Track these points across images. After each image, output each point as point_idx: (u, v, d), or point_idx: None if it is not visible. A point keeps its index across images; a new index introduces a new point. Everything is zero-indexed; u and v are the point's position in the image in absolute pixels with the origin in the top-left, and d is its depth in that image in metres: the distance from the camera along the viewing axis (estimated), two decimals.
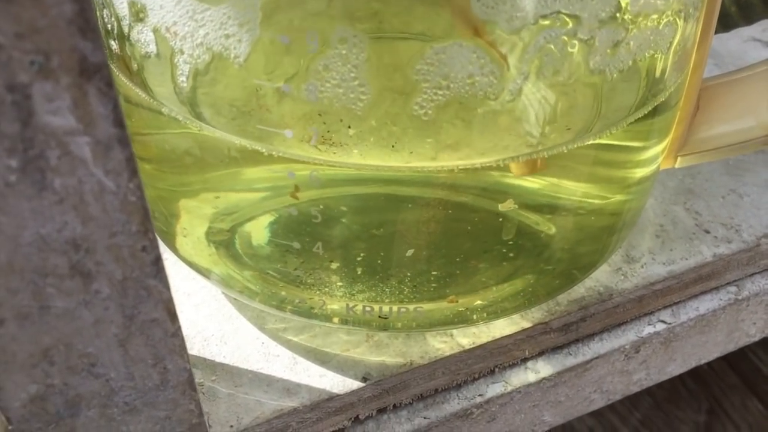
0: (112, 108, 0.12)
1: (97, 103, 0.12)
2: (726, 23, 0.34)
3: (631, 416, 0.49)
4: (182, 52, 0.17)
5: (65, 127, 0.12)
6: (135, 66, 0.19)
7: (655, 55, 0.19)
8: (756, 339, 0.32)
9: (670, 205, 0.30)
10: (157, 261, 0.15)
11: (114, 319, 0.15)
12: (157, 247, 0.15)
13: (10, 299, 0.14)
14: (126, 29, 0.18)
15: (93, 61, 0.12)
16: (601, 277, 0.27)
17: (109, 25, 0.19)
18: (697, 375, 0.52)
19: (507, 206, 0.21)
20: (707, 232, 0.28)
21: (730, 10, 0.33)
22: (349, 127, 0.18)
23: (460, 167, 0.18)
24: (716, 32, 0.37)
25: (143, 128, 0.21)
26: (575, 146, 0.20)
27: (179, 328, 0.17)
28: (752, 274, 0.29)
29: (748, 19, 0.34)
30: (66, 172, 0.13)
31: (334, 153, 0.18)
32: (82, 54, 0.12)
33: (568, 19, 0.17)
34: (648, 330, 0.27)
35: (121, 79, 0.20)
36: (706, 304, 0.28)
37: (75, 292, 0.15)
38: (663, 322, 0.28)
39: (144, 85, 0.19)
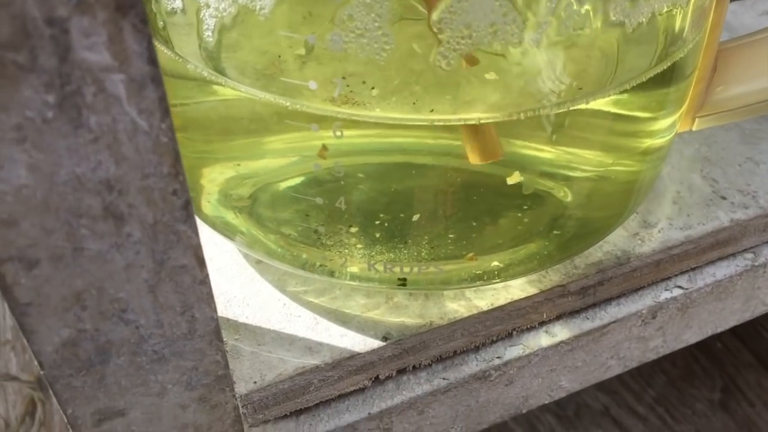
0: (147, 45, 0.13)
1: (132, 39, 0.12)
2: None
3: (646, 394, 0.50)
4: (208, 6, 0.18)
5: (101, 63, 0.13)
6: (161, 23, 0.19)
7: (674, 11, 0.19)
8: None
9: (686, 172, 0.30)
10: (187, 205, 0.15)
11: (144, 263, 0.16)
12: (187, 191, 0.15)
13: (45, 239, 0.14)
14: None
15: None
16: (619, 242, 0.27)
17: None
18: (711, 353, 0.52)
19: (514, 179, 0.21)
20: (724, 198, 0.29)
21: None
22: (372, 88, 0.18)
23: (482, 121, 0.18)
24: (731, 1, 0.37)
25: (169, 94, 0.22)
26: (594, 104, 0.20)
27: (207, 275, 0.17)
28: None
29: None
30: (101, 110, 0.13)
31: (357, 107, 0.18)
32: None
33: None
34: (665, 295, 0.27)
35: None
36: (722, 270, 0.28)
37: (107, 234, 0.15)
38: (680, 287, 0.28)
39: (169, 44, 0.20)
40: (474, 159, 0.20)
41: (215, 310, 0.18)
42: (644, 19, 0.18)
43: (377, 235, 0.22)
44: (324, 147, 0.20)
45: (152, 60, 0.13)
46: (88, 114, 0.13)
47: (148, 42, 0.13)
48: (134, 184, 0.14)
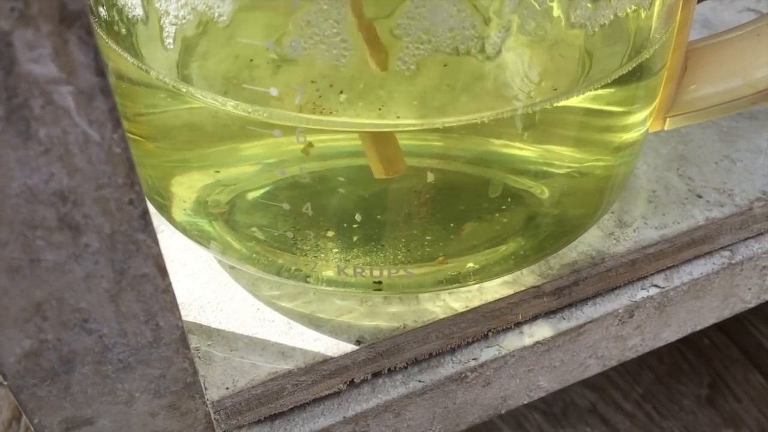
0: (93, 57, 0.13)
1: (78, 51, 0.12)
2: None
3: (633, 391, 0.50)
4: (168, 14, 0.17)
5: (47, 75, 0.12)
6: (124, 31, 0.19)
7: (638, 11, 0.19)
8: (751, 305, 0.32)
9: (662, 171, 0.30)
10: (145, 215, 0.15)
11: (104, 273, 0.16)
12: (143, 201, 0.15)
13: (0, 251, 0.14)
14: None
15: (72, 9, 0.12)
16: (593, 242, 0.27)
17: None
18: (698, 349, 0.52)
19: (495, 192, 0.22)
20: (700, 196, 0.29)
21: None
22: (341, 92, 0.18)
23: (446, 125, 0.18)
24: None
25: (136, 103, 0.22)
26: (562, 104, 0.20)
27: (170, 284, 0.17)
28: (746, 239, 0.29)
29: None
30: (50, 122, 0.13)
31: (326, 114, 0.18)
32: (62, 1, 0.12)
33: None
34: (641, 294, 0.28)
35: (112, 49, 0.20)
36: (699, 268, 0.28)
37: (64, 245, 0.15)
38: (656, 286, 0.28)
39: (134, 52, 0.20)
40: (378, 173, 0.20)
41: (180, 318, 0.18)
42: (606, 22, 0.18)
43: (354, 239, 0.22)
44: (309, 145, 0.19)
45: (100, 71, 0.13)
46: (37, 126, 0.13)
47: (95, 53, 0.13)
48: (89, 195, 0.14)
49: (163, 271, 0.17)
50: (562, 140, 0.22)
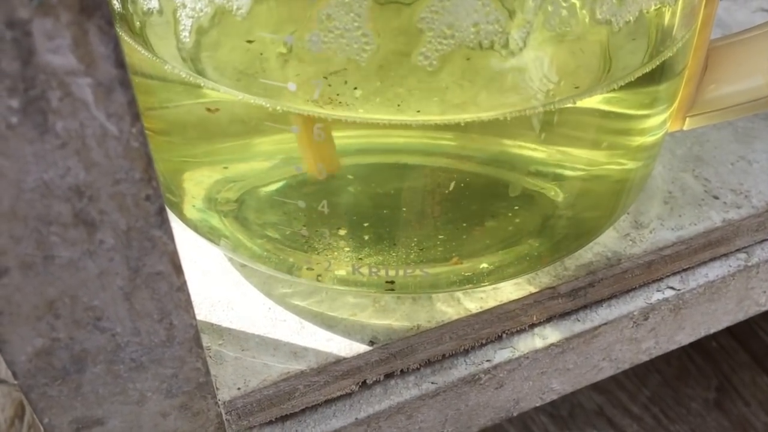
0: (113, 48, 0.12)
1: (98, 42, 0.12)
2: None
3: (640, 394, 0.49)
4: (184, 6, 0.17)
5: (66, 66, 0.12)
6: (138, 24, 0.19)
7: (662, 9, 0.19)
8: (766, 308, 0.32)
9: (678, 172, 0.29)
10: (161, 211, 0.15)
11: (119, 270, 0.15)
12: (160, 197, 0.15)
13: (14, 247, 0.14)
14: None
15: None
16: (609, 243, 0.26)
17: None
18: (706, 352, 0.51)
19: (514, 191, 0.21)
20: (716, 198, 0.28)
21: None
22: (355, 88, 0.18)
23: (466, 121, 0.18)
24: None
25: (149, 97, 0.21)
26: (584, 104, 0.19)
27: (185, 282, 0.17)
28: (762, 241, 0.29)
29: None
30: (68, 115, 0.13)
31: (341, 109, 0.18)
32: None
33: None
34: (657, 296, 0.27)
35: (126, 43, 0.20)
36: (715, 270, 0.28)
37: (79, 241, 0.14)
38: (672, 288, 0.27)
39: (148, 46, 0.19)
40: (312, 172, 0.19)
41: (194, 317, 0.17)
42: (632, 18, 0.18)
43: (366, 238, 0.22)
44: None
45: (120, 63, 0.12)
46: (54, 119, 0.13)
47: (115, 44, 0.12)
48: (105, 190, 0.14)
49: (178, 269, 0.16)
50: (582, 142, 0.22)
